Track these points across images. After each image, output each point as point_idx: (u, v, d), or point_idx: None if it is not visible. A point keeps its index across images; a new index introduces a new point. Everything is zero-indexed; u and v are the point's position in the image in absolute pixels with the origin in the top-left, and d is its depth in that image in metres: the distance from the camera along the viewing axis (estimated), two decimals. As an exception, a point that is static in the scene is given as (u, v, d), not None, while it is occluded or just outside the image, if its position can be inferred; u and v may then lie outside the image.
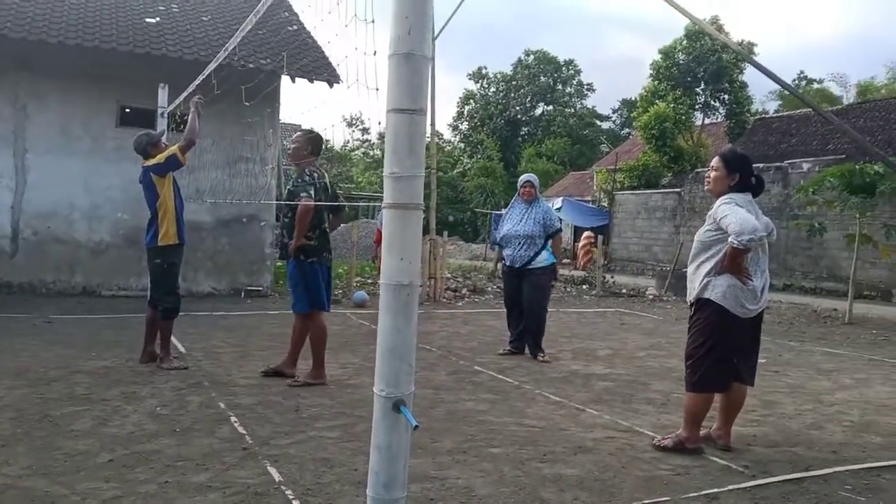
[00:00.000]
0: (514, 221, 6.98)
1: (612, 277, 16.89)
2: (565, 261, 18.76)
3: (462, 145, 48.99)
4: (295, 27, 11.83)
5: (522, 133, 48.69)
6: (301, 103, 58.32)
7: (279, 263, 12.26)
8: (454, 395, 5.21)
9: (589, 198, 30.69)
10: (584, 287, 15.27)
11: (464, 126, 49.64)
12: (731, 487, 3.48)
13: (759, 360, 4.31)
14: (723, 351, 3.93)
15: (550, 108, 48.75)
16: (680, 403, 4.50)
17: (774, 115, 27.19)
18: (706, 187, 4.25)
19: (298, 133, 5.65)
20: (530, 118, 49.10)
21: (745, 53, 2.93)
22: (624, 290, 14.94)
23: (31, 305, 8.82)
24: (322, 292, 5.33)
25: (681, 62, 27.87)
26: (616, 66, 77.30)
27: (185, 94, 6.80)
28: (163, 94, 7.16)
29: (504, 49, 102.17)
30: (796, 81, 43.50)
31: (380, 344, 2.15)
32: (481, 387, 5.57)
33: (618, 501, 3.26)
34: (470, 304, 11.86)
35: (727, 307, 3.88)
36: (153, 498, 3.06)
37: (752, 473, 3.71)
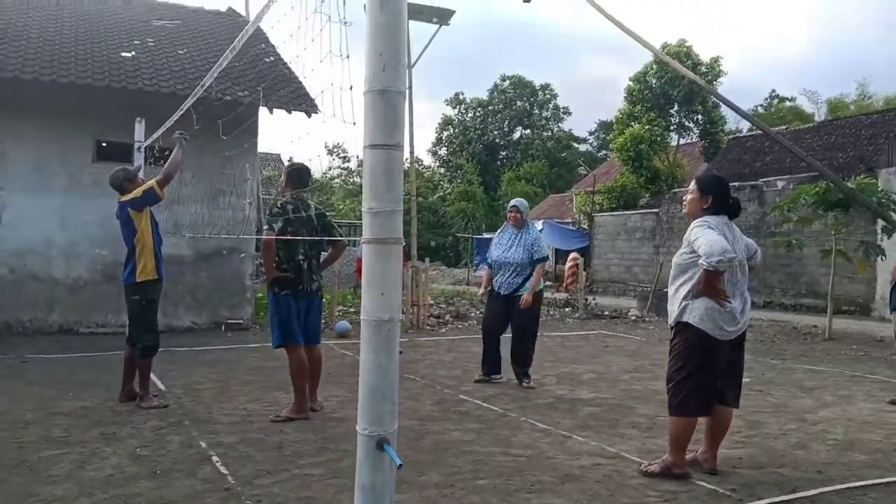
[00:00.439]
0: (503, 248, 6.92)
1: (594, 299, 16.94)
2: (548, 283, 18.78)
3: (442, 170, 49.17)
4: (272, 59, 11.87)
5: (501, 157, 48.99)
6: (280, 134, 58.41)
7: (259, 294, 12.20)
8: (440, 426, 5.17)
9: (569, 220, 30.89)
10: (566, 310, 15.30)
11: (443, 151, 49.88)
12: (719, 512, 3.48)
13: (744, 380, 4.32)
14: (702, 374, 3.92)
15: (528, 131, 49.15)
16: (665, 427, 4.49)
17: (748, 133, 27.53)
18: (683, 210, 4.29)
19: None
20: (508, 142, 49.45)
21: (702, 82, 2.98)
22: (606, 312, 14.97)
23: (7, 345, 8.66)
24: (294, 326, 5.22)
25: (654, 85, 28.32)
26: (592, 88, 78.35)
27: (162, 128, 6.77)
28: (139, 129, 7.11)
29: (481, 76, 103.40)
30: (769, 100, 44.33)
31: (362, 382, 2.13)
32: (467, 416, 5.53)
33: (607, 531, 3.24)
34: (453, 330, 11.82)
35: (706, 330, 3.88)
36: (133, 544, 2.99)
37: (739, 497, 3.70)
